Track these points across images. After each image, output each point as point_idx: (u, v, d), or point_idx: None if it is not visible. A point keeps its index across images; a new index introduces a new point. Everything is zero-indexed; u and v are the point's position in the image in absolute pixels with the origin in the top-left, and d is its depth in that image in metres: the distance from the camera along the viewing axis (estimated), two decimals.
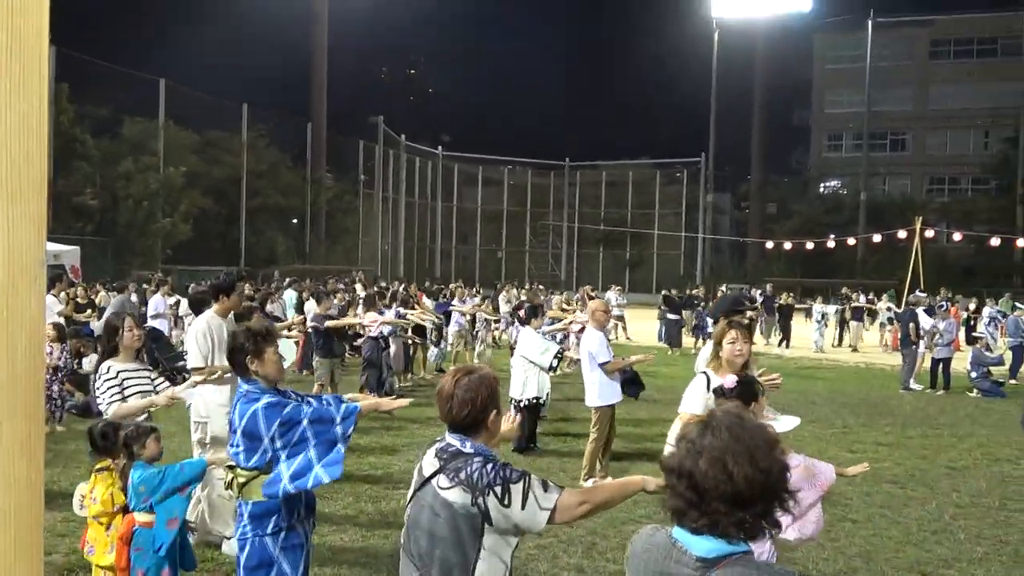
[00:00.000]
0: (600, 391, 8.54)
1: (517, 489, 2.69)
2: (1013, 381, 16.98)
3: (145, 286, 19.82)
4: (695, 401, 5.00)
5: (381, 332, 12.88)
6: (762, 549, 3.88)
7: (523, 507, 2.68)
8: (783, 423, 4.62)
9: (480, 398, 2.86)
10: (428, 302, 18.22)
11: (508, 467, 2.78)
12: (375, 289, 20.35)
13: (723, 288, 33.52)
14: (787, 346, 24.19)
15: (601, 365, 8.46)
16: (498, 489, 2.69)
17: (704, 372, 5.12)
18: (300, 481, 3.82)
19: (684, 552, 1.91)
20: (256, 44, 63.14)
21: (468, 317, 18.00)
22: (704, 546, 1.88)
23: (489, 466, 2.75)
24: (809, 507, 4.16)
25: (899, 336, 16.05)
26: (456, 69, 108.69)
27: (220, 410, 6.04)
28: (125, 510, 4.58)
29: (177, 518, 4.48)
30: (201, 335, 6.13)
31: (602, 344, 8.64)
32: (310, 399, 4.17)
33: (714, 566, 1.85)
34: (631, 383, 9.12)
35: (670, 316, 23.29)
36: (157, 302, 16.96)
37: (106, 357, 5.52)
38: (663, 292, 26.76)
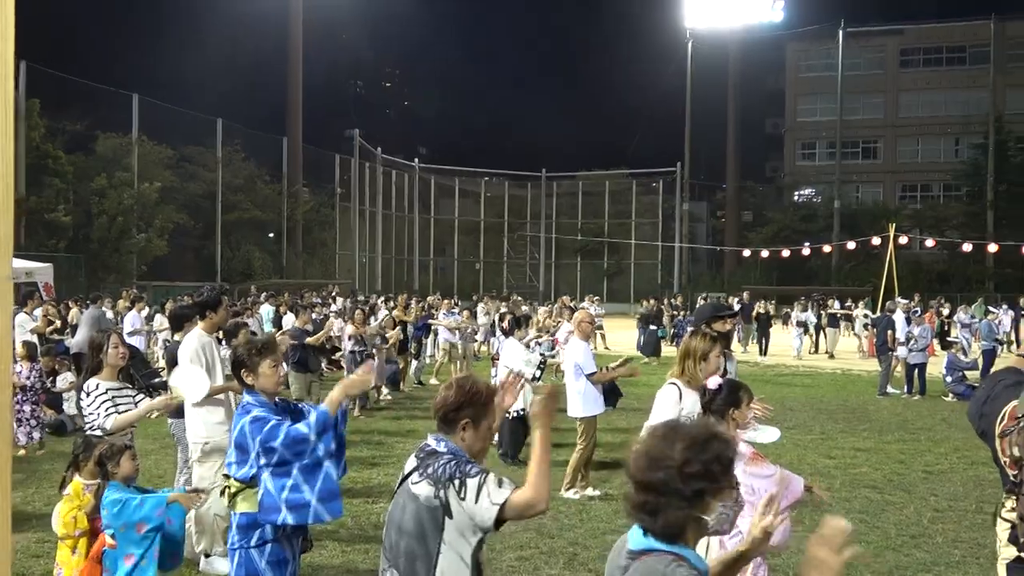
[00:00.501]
0: (585, 402, 8.50)
1: (473, 483, 2.82)
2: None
3: (121, 301, 19.63)
4: (666, 411, 5.00)
5: (360, 346, 12.85)
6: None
7: (476, 500, 2.80)
8: (763, 434, 4.64)
9: (452, 398, 3.01)
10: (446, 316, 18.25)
11: (471, 463, 2.90)
12: (356, 302, 20.32)
13: (701, 297, 33.62)
14: (765, 354, 24.35)
15: (589, 376, 8.45)
16: (456, 482, 2.82)
17: (673, 383, 5.12)
18: (299, 515, 3.81)
19: (624, 544, 2.13)
20: (231, 59, 62.87)
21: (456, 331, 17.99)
22: (635, 540, 2.08)
23: (453, 462, 2.88)
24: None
25: (875, 342, 16.18)
26: (432, 82, 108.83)
27: (219, 428, 6.00)
28: (96, 531, 4.52)
29: (133, 554, 4.30)
30: (195, 354, 6.09)
31: (587, 355, 8.62)
32: (305, 407, 4.18)
33: (636, 559, 2.05)
34: (610, 393, 9.12)
35: (650, 326, 23.48)
36: (133, 318, 16.81)
37: (91, 374, 5.49)
38: (640, 311, 26.93)
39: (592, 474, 8.61)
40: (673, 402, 5.02)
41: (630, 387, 13.48)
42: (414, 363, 16.35)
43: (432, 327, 18.80)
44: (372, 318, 14.77)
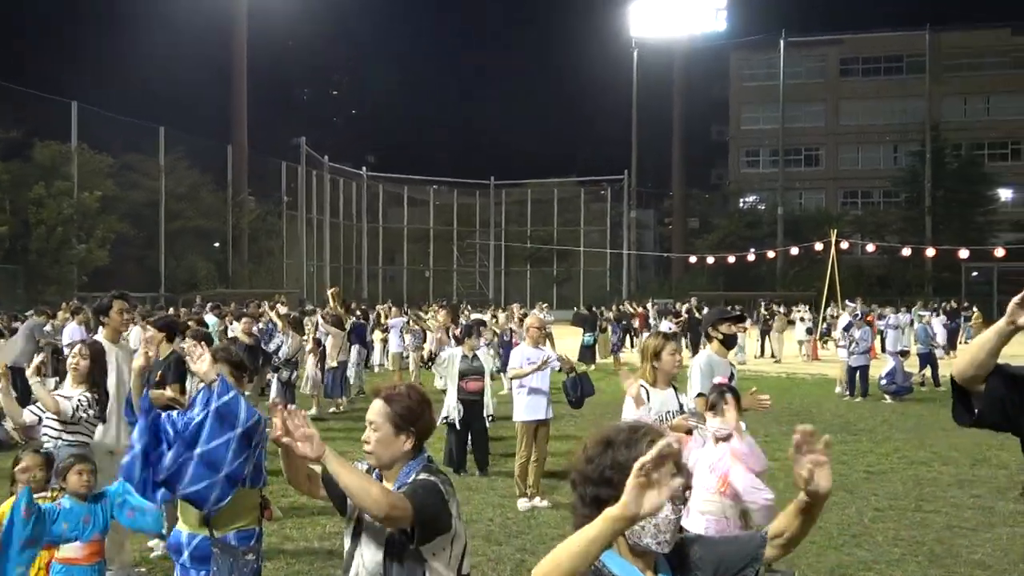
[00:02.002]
0: (517, 407, 8.53)
1: None
2: (925, 387, 17.59)
3: (60, 313, 19.12)
4: (632, 412, 5.03)
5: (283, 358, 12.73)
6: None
7: None
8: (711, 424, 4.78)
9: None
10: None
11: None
12: (298, 312, 20.04)
13: (650, 303, 33.92)
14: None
15: (513, 377, 8.54)
16: None
17: (641, 384, 5.16)
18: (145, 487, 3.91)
19: None
20: (174, 65, 61.83)
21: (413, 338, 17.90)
22: None
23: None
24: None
25: (860, 348, 16.42)
26: (380, 90, 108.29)
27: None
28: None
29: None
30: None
31: (521, 357, 8.57)
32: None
33: None
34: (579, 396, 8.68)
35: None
36: (72, 330, 16.38)
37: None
38: (577, 310, 26.95)
39: (543, 482, 8.57)
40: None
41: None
42: (352, 370, 16.01)
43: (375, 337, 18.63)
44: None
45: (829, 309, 28.50)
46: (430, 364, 13.98)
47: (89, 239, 32.21)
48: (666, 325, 21.25)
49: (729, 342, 5.76)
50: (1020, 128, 54.82)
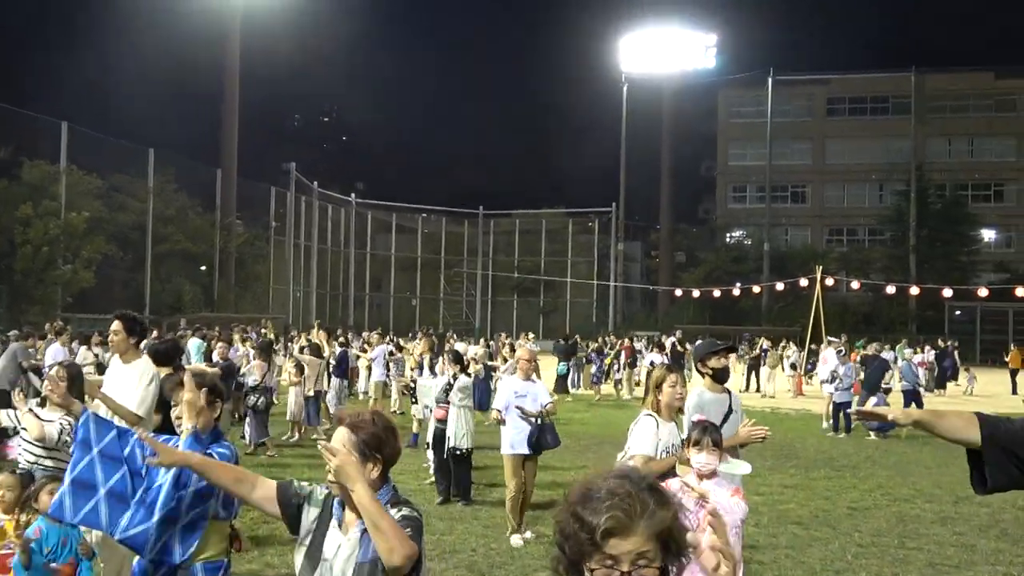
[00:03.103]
0: (506, 440, 8.39)
1: None
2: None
3: (48, 334, 18.99)
4: (645, 442, 5.03)
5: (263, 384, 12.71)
6: None
7: None
8: (735, 466, 4.73)
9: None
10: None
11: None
12: (270, 338, 19.94)
13: (634, 336, 33.96)
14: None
15: (499, 411, 8.45)
16: None
17: (649, 414, 5.14)
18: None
19: None
20: (165, 87, 62.09)
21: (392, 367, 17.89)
22: None
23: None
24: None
25: (866, 383, 16.48)
26: (371, 117, 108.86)
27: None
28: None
29: None
30: None
31: (508, 391, 8.48)
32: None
33: None
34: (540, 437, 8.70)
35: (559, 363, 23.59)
36: (55, 351, 16.27)
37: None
38: (557, 341, 26.92)
39: (528, 514, 8.45)
40: (651, 433, 5.05)
41: (563, 426, 13.53)
42: (331, 396, 15.94)
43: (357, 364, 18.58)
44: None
45: (813, 345, 28.64)
46: (411, 393, 13.99)
47: (75, 260, 32.06)
48: (657, 357, 21.25)
49: (720, 376, 5.73)
50: (1003, 170, 55.65)
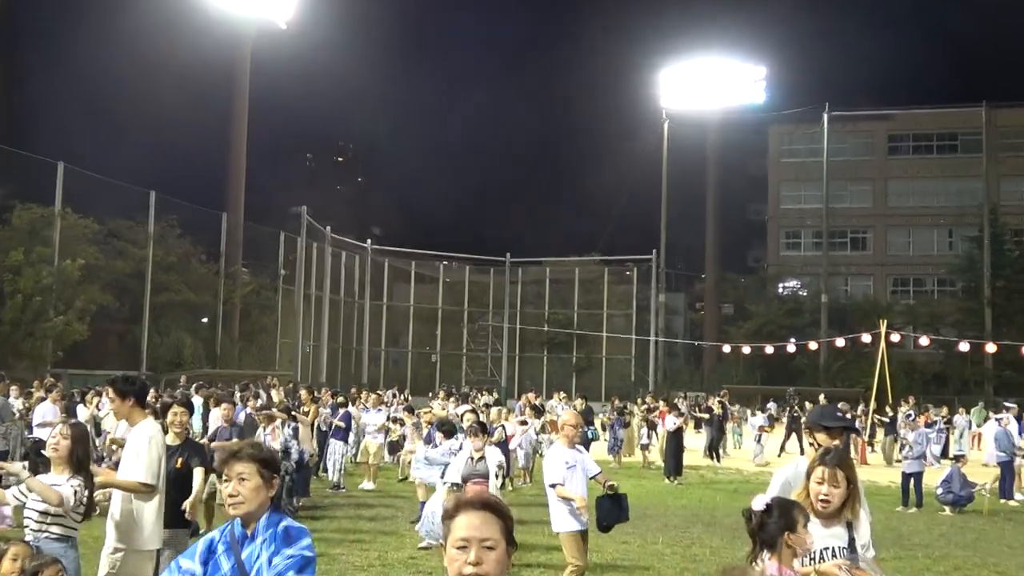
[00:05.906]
0: (560, 515, 8.17)
1: None
2: (1002, 500, 17.08)
3: (34, 392, 19.17)
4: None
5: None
6: None
7: None
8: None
9: None
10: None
11: None
12: (263, 402, 19.87)
13: (680, 395, 33.71)
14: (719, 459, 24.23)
15: (552, 487, 8.26)
16: None
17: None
18: None
19: None
20: (169, 127, 63.33)
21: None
22: None
23: None
24: None
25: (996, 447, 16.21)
26: (388, 158, 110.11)
27: None
28: None
29: None
30: None
31: (559, 461, 8.22)
32: None
33: None
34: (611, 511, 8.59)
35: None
36: (45, 409, 16.37)
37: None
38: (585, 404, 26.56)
39: None
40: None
41: None
42: (331, 464, 15.97)
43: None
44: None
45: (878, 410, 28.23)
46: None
47: (68, 311, 32.44)
48: (671, 421, 20.65)
49: (825, 454, 5.44)
50: None
